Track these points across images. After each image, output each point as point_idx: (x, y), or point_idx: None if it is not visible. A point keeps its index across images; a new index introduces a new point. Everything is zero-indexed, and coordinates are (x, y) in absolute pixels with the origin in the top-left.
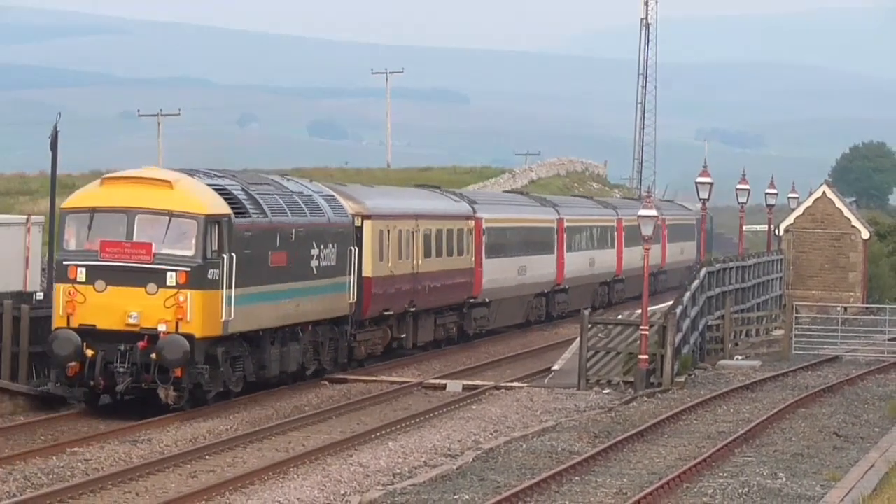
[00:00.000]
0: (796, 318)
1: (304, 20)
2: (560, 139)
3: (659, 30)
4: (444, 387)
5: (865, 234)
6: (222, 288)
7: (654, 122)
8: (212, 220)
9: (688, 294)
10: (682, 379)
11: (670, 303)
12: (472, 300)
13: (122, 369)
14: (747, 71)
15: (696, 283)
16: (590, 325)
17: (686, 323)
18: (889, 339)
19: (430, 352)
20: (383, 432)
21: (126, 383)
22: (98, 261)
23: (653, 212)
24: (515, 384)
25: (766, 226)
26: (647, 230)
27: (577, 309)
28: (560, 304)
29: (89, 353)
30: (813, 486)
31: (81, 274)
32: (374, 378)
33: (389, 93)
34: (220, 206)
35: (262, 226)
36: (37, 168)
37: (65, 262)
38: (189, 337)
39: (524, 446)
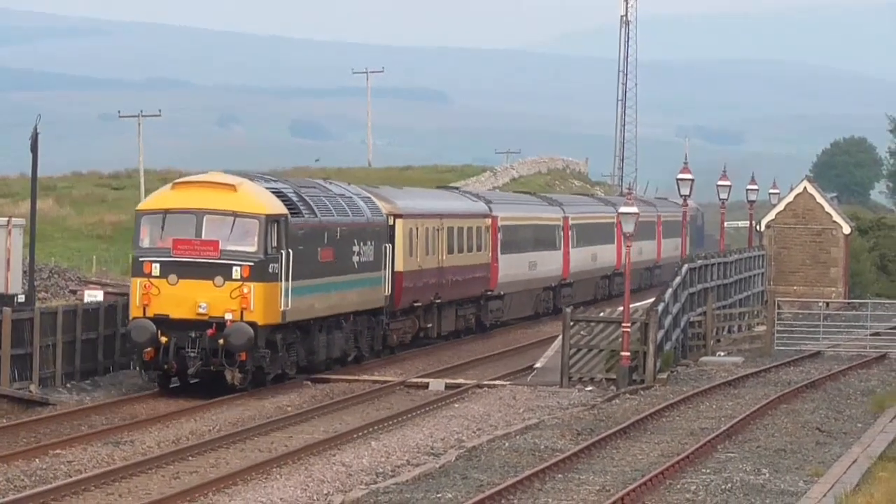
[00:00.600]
0: (778, 313)
1: (283, 20)
2: (541, 137)
3: (639, 27)
4: (426, 385)
5: (847, 230)
6: (281, 280)
7: (636, 119)
8: (271, 220)
9: (669, 290)
10: (665, 375)
11: (652, 299)
12: (488, 293)
13: (192, 354)
14: (728, 68)
15: (678, 279)
16: (572, 323)
17: (668, 319)
18: (871, 335)
19: (413, 350)
20: (366, 432)
21: (196, 367)
22: (170, 257)
23: (633, 209)
24: (498, 382)
25: (748, 222)
26: (627, 227)
27: (582, 301)
28: (566, 297)
29: (163, 339)
30: (796, 482)
31: (156, 269)
32: (356, 377)
33: (370, 92)
34: (278, 207)
35: (312, 225)
36: (17, 170)
37: (140, 259)
38: (252, 324)
39: (507, 444)
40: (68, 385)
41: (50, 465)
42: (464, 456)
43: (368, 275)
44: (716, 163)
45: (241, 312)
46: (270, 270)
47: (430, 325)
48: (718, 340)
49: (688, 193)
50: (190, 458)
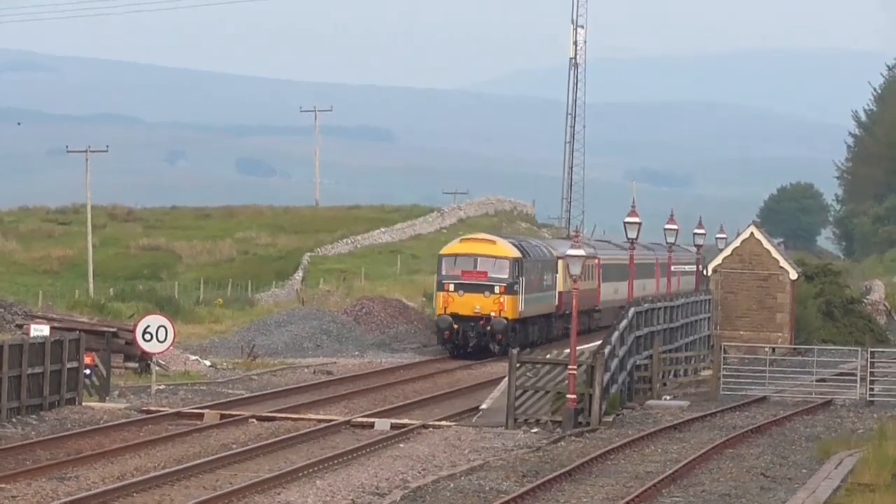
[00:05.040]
0: (724, 358)
1: (232, 58)
2: (488, 178)
3: (588, 69)
4: (372, 425)
5: (793, 275)
6: (519, 294)
7: (583, 161)
8: (514, 260)
9: (616, 334)
10: (610, 418)
11: (598, 342)
12: (595, 308)
13: (472, 335)
14: (675, 110)
15: (625, 322)
16: (518, 364)
17: (614, 362)
18: (816, 380)
19: (362, 387)
20: (311, 471)
21: (474, 343)
22: (460, 280)
23: (581, 251)
24: (444, 423)
25: (695, 266)
26: (575, 269)
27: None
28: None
29: (455, 326)
30: None
31: (451, 287)
32: (301, 416)
33: (318, 130)
34: (517, 253)
35: (531, 263)
36: None
37: (443, 281)
38: (506, 319)
39: (452, 485)
40: (14, 420)
41: None
42: (409, 496)
43: (548, 293)
44: (660, 206)
45: (500, 312)
46: (514, 289)
47: (568, 326)
48: (664, 384)
49: (635, 236)
50: (134, 494)
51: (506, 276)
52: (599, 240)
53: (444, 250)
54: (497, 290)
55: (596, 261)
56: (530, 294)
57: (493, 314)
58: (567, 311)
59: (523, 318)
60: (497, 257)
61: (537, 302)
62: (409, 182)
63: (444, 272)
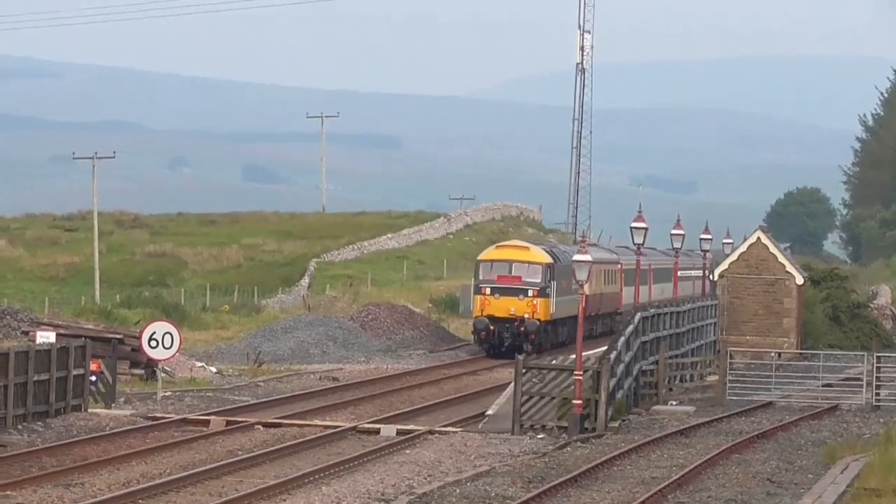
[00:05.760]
0: (730, 363)
1: (236, 65)
2: (494, 184)
3: (594, 75)
4: (378, 431)
5: (800, 280)
6: (551, 297)
7: (590, 166)
8: (547, 266)
9: (622, 339)
10: (616, 424)
11: (604, 348)
12: (617, 311)
13: (506, 336)
14: (680, 117)
15: (631, 328)
16: (524, 370)
17: (620, 368)
18: (823, 385)
19: (368, 393)
20: (317, 477)
21: (509, 343)
22: (496, 284)
23: (587, 256)
24: (449, 429)
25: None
26: (581, 274)
27: None
28: None
29: (491, 328)
30: None
31: (488, 290)
32: (307, 422)
33: (324, 137)
34: (549, 258)
35: (562, 268)
36: None
37: (480, 285)
38: (538, 320)
39: (458, 491)
40: (20, 426)
41: None
42: (414, 502)
43: (577, 296)
44: (666, 211)
45: (532, 314)
46: (547, 292)
47: (593, 328)
48: (670, 389)
49: (641, 242)
50: (140, 500)
51: (538, 281)
52: (621, 245)
53: (482, 256)
54: (530, 293)
55: (619, 266)
56: (561, 297)
57: (526, 316)
58: (593, 313)
59: (554, 320)
60: (530, 263)
61: (567, 305)
62: (415, 188)
63: (480, 276)
